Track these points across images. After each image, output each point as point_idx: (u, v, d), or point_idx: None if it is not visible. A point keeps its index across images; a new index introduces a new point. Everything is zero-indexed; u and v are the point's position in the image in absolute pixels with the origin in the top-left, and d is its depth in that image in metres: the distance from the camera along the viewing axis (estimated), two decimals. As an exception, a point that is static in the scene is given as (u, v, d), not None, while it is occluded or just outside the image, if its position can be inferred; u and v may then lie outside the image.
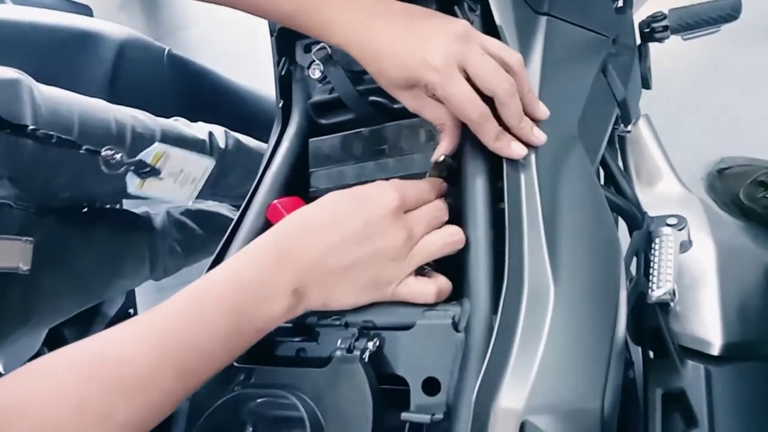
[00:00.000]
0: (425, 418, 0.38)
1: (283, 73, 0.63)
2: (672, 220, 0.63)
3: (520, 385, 0.36)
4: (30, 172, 0.71)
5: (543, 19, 0.55)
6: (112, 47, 1.07)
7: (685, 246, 0.62)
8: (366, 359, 0.40)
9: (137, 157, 0.63)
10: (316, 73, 0.59)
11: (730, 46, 1.18)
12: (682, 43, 0.84)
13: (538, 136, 0.47)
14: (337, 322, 0.44)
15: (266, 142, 1.16)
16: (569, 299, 0.40)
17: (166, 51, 1.21)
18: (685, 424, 0.59)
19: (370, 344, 0.41)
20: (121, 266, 0.90)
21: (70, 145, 0.61)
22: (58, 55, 1.02)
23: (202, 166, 0.71)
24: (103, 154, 0.62)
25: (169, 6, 1.70)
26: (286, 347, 0.46)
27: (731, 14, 0.76)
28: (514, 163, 0.46)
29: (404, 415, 0.38)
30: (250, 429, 0.45)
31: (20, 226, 0.69)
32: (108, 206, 0.95)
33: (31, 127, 0.59)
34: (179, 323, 0.38)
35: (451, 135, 0.49)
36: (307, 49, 0.60)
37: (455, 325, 0.40)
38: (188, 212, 1.10)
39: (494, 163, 0.47)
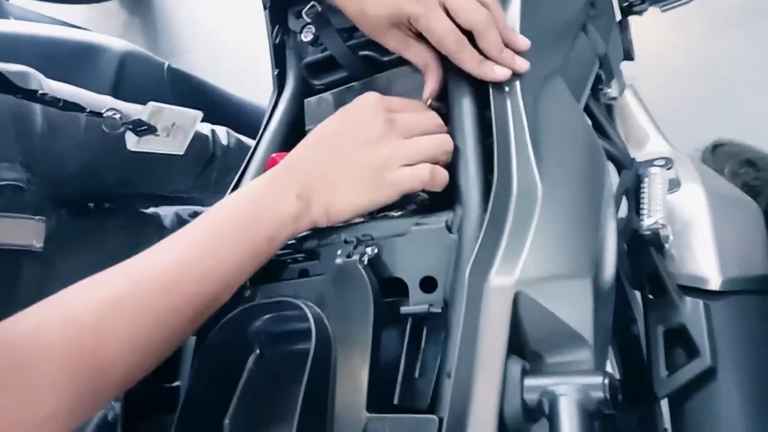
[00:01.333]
0: (423, 308, 0.39)
1: (276, 41, 0.66)
2: (659, 162, 0.65)
3: (511, 263, 0.37)
4: (41, 157, 0.74)
5: (521, -30, 0.58)
6: (113, 60, 1.11)
7: (673, 183, 0.64)
8: (365, 263, 0.42)
9: (134, 117, 0.66)
10: (308, 36, 0.62)
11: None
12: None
13: (521, 64, 0.49)
14: (337, 240, 0.46)
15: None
16: (556, 192, 0.41)
17: (166, 65, 1.25)
18: (687, 356, 0.59)
19: (369, 250, 0.42)
20: None
21: (75, 108, 0.64)
22: (59, 67, 1.05)
23: (191, 117, 0.75)
24: (104, 115, 0.65)
25: (168, 30, 1.76)
26: (289, 271, 0.47)
27: (703, -21, 0.79)
28: (499, 87, 0.48)
29: (404, 309, 0.40)
30: (257, 351, 0.46)
31: (33, 208, 0.72)
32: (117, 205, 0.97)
33: (40, 92, 0.62)
34: (199, 233, 0.43)
35: (436, 75, 0.51)
36: (299, 15, 0.63)
37: (449, 228, 0.42)
38: (195, 214, 1.12)
39: (480, 91, 0.50)
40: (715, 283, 0.62)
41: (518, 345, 0.36)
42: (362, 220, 0.48)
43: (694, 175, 0.69)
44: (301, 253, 0.47)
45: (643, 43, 0.93)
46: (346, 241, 0.45)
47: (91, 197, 0.89)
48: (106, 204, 0.91)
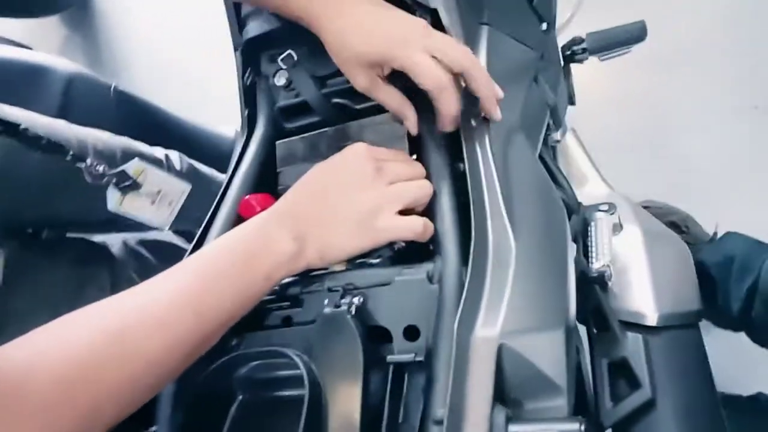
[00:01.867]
0: (409, 356, 0.42)
1: (248, 83, 0.67)
2: (604, 207, 0.71)
3: (493, 317, 0.41)
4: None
5: (485, 28, 0.62)
6: (59, 81, 1.08)
7: (616, 228, 0.70)
8: (353, 312, 0.44)
9: (119, 168, 0.65)
10: (281, 80, 0.64)
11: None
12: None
13: (498, 111, 0.53)
14: (320, 288, 0.48)
15: (218, 170, 1.19)
16: (528, 250, 0.45)
17: (112, 86, 1.23)
18: (629, 388, 0.65)
19: (356, 300, 0.45)
20: (84, 293, 0.89)
21: (58, 150, 0.62)
22: (6, 88, 1.02)
23: (179, 189, 0.73)
24: (87, 162, 0.64)
25: (110, 47, 1.72)
26: (272, 317, 0.49)
27: (639, 36, 0.87)
28: (471, 141, 0.52)
29: (390, 357, 0.42)
30: (240, 398, 0.47)
31: None
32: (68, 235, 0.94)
33: (23, 126, 0.60)
34: (194, 271, 0.43)
35: (413, 113, 0.54)
36: (272, 59, 0.65)
37: (430, 279, 0.45)
38: (143, 242, 1.10)
39: (451, 145, 0.53)
40: (652, 319, 0.68)
41: (500, 393, 0.39)
42: (343, 268, 0.50)
43: (633, 218, 0.76)
44: (284, 300, 0.49)
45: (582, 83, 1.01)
46: (330, 290, 0.47)
47: (44, 226, 0.86)
48: (58, 233, 0.89)
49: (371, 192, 0.49)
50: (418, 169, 0.52)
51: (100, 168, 0.64)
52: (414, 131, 0.54)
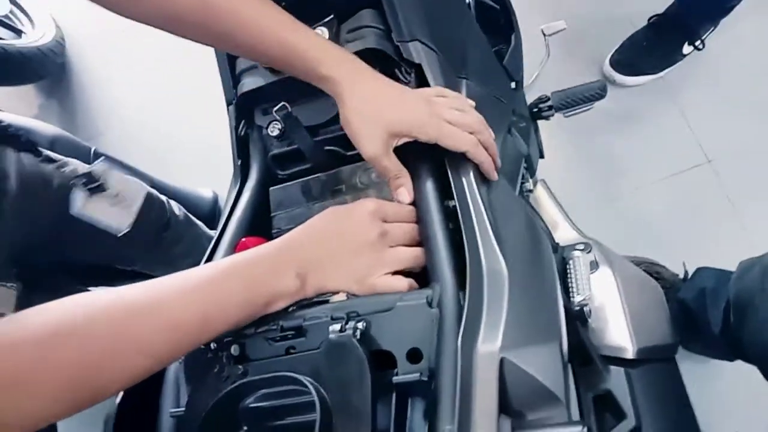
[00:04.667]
0: (414, 377, 0.43)
1: (241, 134, 0.71)
2: (580, 246, 0.75)
3: (493, 334, 0.43)
4: (12, 219, 0.71)
5: (463, 82, 0.68)
6: (43, 141, 1.09)
7: (593, 266, 0.74)
8: (358, 337, 0.46)
9: (86, 169, 0.66)
10: (274, 131, 0.67)
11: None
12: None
13: (495, 173, 0.59)
14: (323, 317, 0.50)
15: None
16: (519, 274, 0.48)
17: (92, 150, 1.25)
18: (615, 420, 0.67)
19: (360, 325, 0.46)
20: None
21: (34, 150, 0.63)
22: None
23: (139, 190, 0.74)
24: (58, 161, 0.64)
25: (85, 113, 1.75)
26: (275, 348, 0.50)
27: (600, 93, 0.95)
28: (459, 180, 0.56)
29: (396, 379, 0.44)
30: (245, 428, 0.48)
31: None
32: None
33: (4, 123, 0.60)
34: (205, 281, 0.46)
35: (409, 179, 0.58)
36: (265, 112, 0.69)
37: (429, 303, 0.47)
38: None
39: (441, 186, 0.57)
40: (631, 353, 0.71)
41: (504, 405, 0.41)
42: (344, 298, 0.52)
43: (606, 258, 0.80)
44: (287, 331, 0.50)
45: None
46: (333, 318, 0.49)
47: (54, 264, 0.86)
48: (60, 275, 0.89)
49: (370, 255, 0.53)
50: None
51: (68, 169, 0.64)
52: (409, 199, 0.57)
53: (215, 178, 1.41)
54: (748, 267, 0.81)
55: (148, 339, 0.42)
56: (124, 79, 1.84)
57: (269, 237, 0.65)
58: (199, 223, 1.15)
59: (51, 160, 0.65)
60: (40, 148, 0.67)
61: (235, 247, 0.63)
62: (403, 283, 0.52)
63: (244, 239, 0.62)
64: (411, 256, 0.54)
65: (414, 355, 0.46)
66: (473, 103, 0.61)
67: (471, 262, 0.49)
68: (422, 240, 0.54)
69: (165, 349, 0.43)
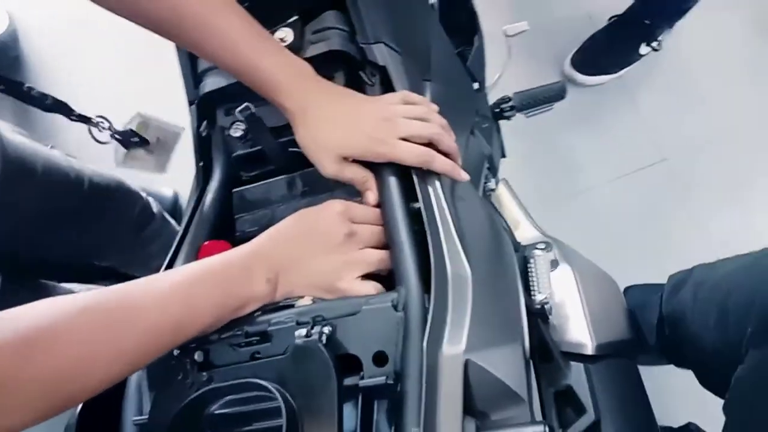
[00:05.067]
0: (381, 380, 0.44)
1: (203, 135, 0.69)
2: (541, 245, 0.76)
3: (458, 336, 0.44)
4: None
5: (427, 84, 0.68)
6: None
7: (554, 264, 0.75)
8: (324, 341, 0.46)
9: (126, 127, 0.65)
10: (237, 132, 0.66)
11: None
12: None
13: (461, 173, 0.60)
14: (289, 322, 0.50)
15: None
16: (483, 276, 0.49)
17: (49, 146, 1.21)
18: (576, 414, 0.69)
19: (326, 329, 0.47)
20: None
21: (64, 110, 0.61)
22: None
23: (176, 133, 0.74)
24: (93, 120, 0.63)
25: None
26: (240, 354, 0.50)
27: (559, 94, 0.97)
28: (424, 183, 0.56)
29: (362, 382, 0.44)
30: (208, 434, 0.48)
31: None
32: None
33: (27, 85, 0.59)
34: (180, 286, 0.46)
35: (375, 184, 0.59)
36: (228, 112, 0.68)
37: (395, 307, 0.48)
38: None
39: (405, 188, 0.58)
40: (591, 348, 0.73)
41: (468, 406, 0.42)
42: (310, 302, 0.52)
43: (567, 257, 0.82)
44: (252, 336, 0.50)
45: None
46: (298, 323, 0.49)
47: (34, 260, 0.84)
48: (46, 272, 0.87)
49: (338, 256, 0.53)
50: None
51: (106, 125, 0.64)
52: (375, 201, 0.58)
53: (176, 177, 1.39)
54: (679, 284, 0.86)
55: (125, 345, 0.42)
56: (80, 72, 1.79)
57: (232, 240, 0.64)
58: (173, 221, 1.13)
59: (86, 120, 0.63)
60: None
61: (197, 251, 0.62)
62: (370, 287, 0.53)
63: (206, 243, 0.62)
64: (378, 258, 0.55)
65: (380, 359, 0.46)
66: (437, 108, 0.61)
67: (436, 266, 0.49)
68: (388, 243, 0.55)
69: (139, 355, 0.43)
